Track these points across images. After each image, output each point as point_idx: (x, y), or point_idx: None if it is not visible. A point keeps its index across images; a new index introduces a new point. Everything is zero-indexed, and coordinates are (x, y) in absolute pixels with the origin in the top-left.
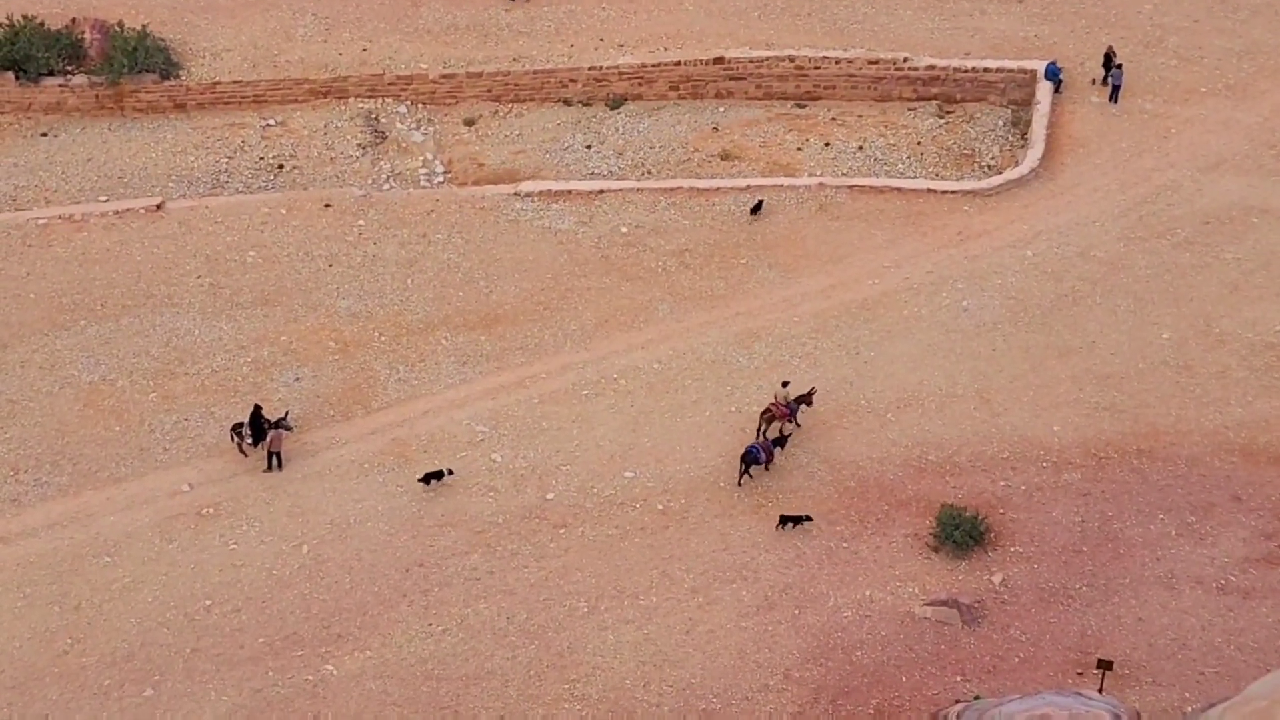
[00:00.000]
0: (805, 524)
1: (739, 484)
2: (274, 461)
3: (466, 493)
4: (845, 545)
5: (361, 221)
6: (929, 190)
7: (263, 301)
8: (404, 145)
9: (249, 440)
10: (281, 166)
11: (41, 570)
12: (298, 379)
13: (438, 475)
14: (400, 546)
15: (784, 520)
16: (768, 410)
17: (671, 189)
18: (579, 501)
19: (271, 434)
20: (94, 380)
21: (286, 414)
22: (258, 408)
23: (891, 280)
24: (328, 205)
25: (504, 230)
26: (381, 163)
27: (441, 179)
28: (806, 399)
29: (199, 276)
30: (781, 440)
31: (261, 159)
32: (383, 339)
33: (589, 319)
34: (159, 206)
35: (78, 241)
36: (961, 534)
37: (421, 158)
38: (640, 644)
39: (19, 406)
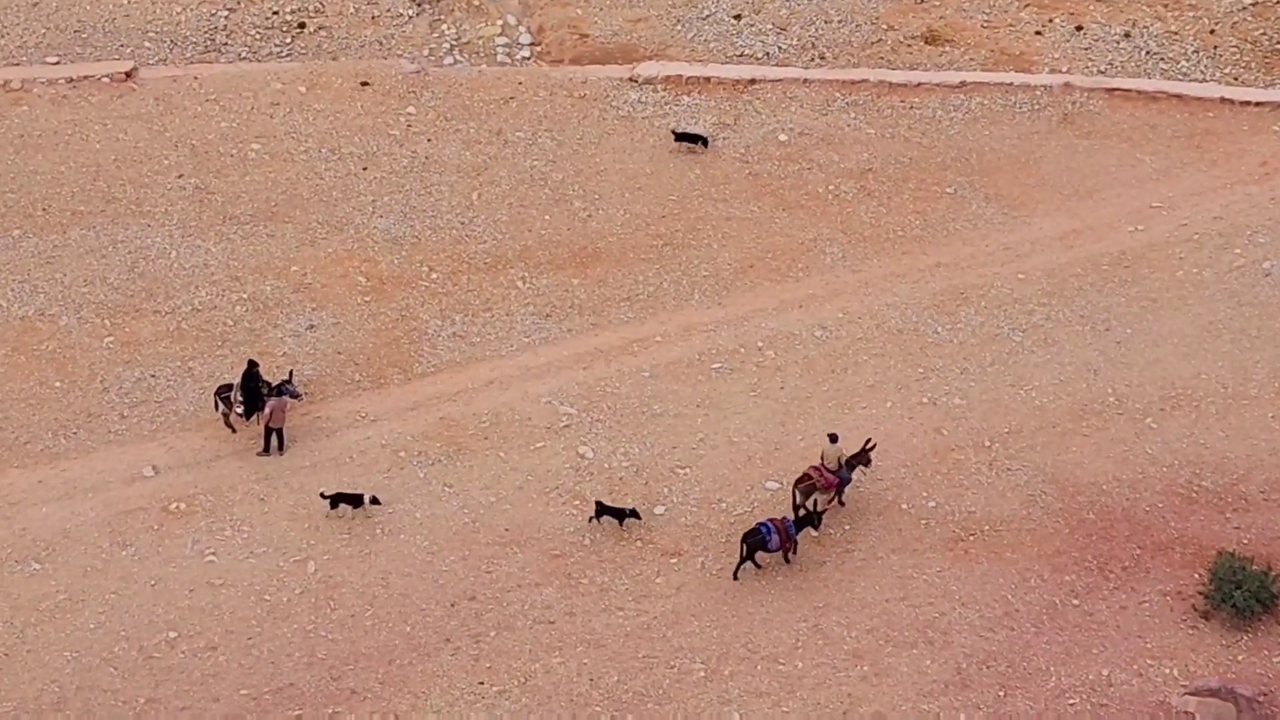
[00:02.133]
0: (631, 519)
1: (735, 576)
2: (273, 441)
3: (542, 499)
4: (1076, 603)
5: (412, 109)
6: (1223, 100)
7: (268, 215)
8: (476, 3)
9: (239, 410)
10: (303, 26)
11: None
12: (312, 327)
13: (354, 500)
14: (445, 571)
15: (600, 511)
16: (805, 477)
17: (853, 82)
18: (700, 520)
19: (271, 403)
20: (27, 315)
21: (291, 375)
22: (253, 365)
23: (1162, 227)
24: (365, 84)
25: (612, 130)
26: (444, 27)
27: (527, 53)
28: (862, 458)
29: (180, 176)
30: (814, 518)
31: (275, 14)
32: (434, 276)
33: (726, 262)
34: (129, 75)
35: (15, 119)
36: (1245, 595)
37: (500, 22)
38: None
39: None
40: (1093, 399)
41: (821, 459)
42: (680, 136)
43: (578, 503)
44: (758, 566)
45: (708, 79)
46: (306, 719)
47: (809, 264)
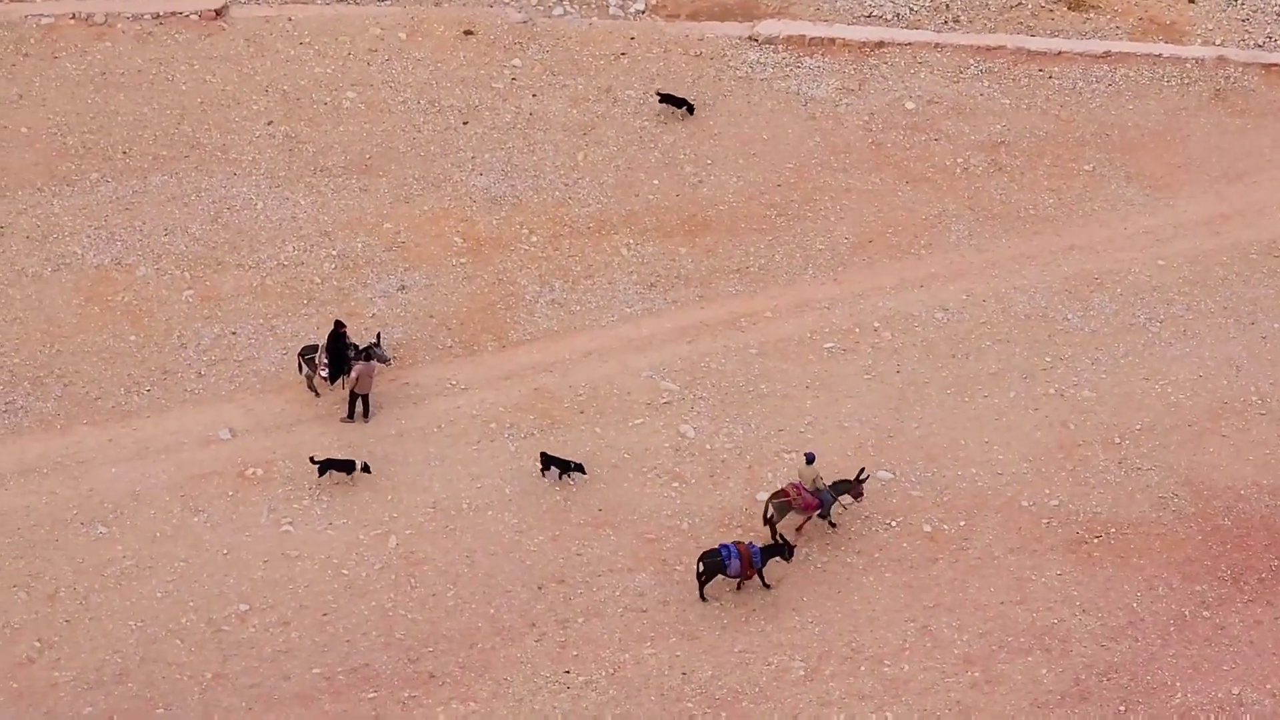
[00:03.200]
0: (576, 473)
1: (702, 598)
2: (358, 408)
3: (638, 479)
4: (1207, 615)
5: (517, 61)
6: None
7: (361, 168)
8: None
9: (324, 373)
10: None
11: (5, 537)
12: (403, 288)
13: (345, 467)
14: (533, 551)
15: (547, 463)
16: (782, 493)
17: (989, 48)
18: None
19: (358, 367)
20: (104, 264)
21: (379, 338)
22: (340, 326)
23: None
24: (469, 32)
25: (729, 91)
26: None
27: (641, 6)
28: (852, 487)
29: (270, 123)
30: (784, 549)
31: None
32: (534, 239)
33: (844, 236)
34: (218, 13)
35: (97, 55)
36: None
37: None
38: None
39: None
40: (1234, 397)
41: (799, 478)
42: (665, 99)
43: (677, 484)
44: (702, 598)
45: (832, 40)
46: (383, 701)
47: (932, 241)
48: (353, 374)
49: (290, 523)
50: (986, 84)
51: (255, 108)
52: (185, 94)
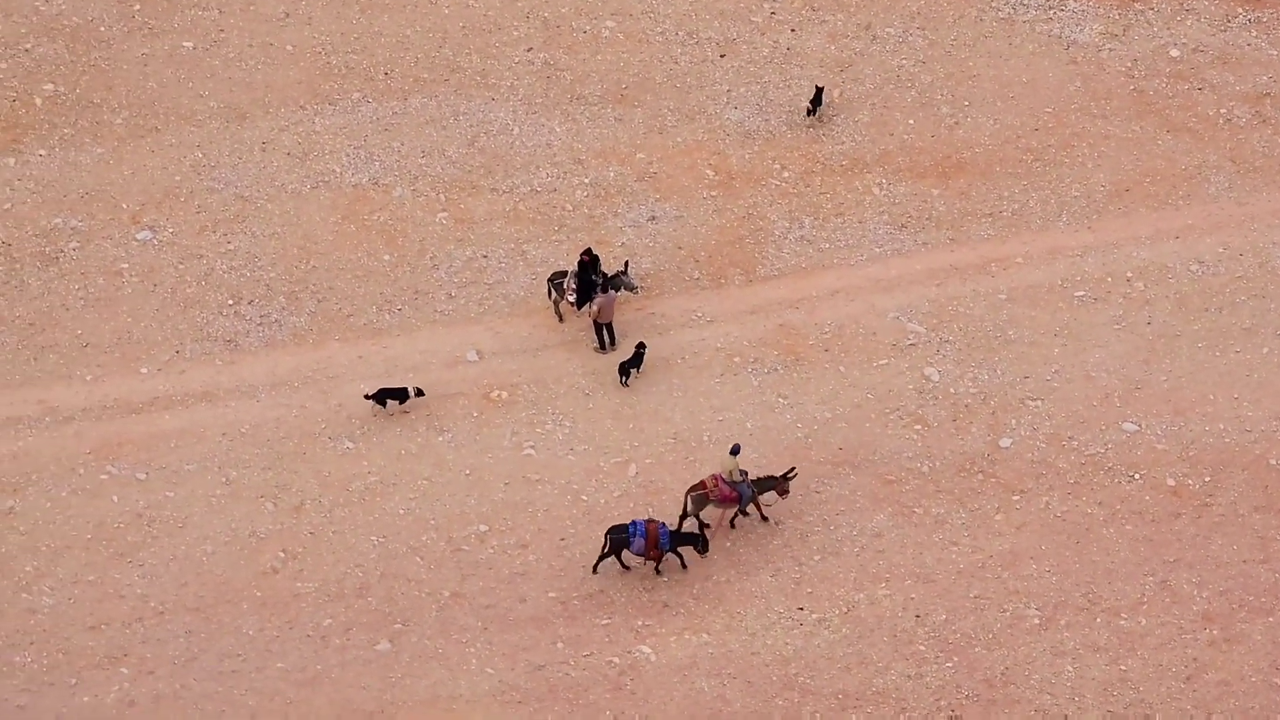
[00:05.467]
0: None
1: (594, 570)
2: (604, 336)
3: (880, 420)
4: None
5: None
6: None
7: (617, 98)
8: None
9: (572, 299)
10: None
11: (255, 448)
12: (653, 218)
13: (398, 395)
14: None
15: (626, 368)
16: (700, 485)
17: None
18: (1048, 457)
19: (598, 299)
20: (361, 182)
21: (626, 266)
22: (589, 255)
23: None
24: None
25: (989, 33)
26: None
27: None
28: (777, 484)
29: (529, 50)
30: (699, 539)
31: None
32: (786, 175)
33: (1100, 184)
34: None
35: None
36: None
37: None
38: (1112, 686)
39: (252, 207)
40: None
41: (724, 471)
42: (813, 103)
43: (919, 427)
44: (625, 567)
45: None
46: (616, 629)
47: (1190, 192)
48: (594, 305)
49: (532, 446)
50: (1254, 34)
51: (515, 34)
52: (448, 18)
